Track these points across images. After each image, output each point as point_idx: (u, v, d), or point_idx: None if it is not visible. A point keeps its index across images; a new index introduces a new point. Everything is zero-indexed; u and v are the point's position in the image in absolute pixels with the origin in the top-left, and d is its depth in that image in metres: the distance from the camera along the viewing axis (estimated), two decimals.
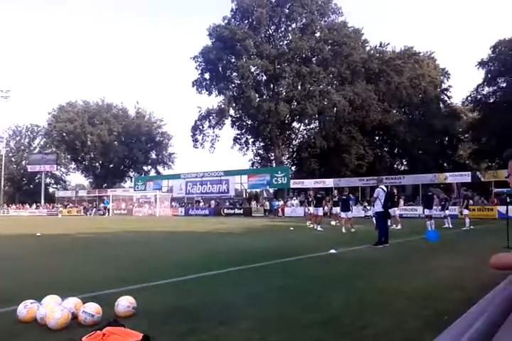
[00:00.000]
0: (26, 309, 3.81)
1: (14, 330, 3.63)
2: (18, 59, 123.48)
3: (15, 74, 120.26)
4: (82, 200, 57.35)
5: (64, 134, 64.52)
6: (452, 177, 33.01)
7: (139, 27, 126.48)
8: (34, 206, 58.30)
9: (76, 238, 14.62)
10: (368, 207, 19.21)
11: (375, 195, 11.31)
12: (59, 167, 68.99)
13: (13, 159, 73.77)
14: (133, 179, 58.19)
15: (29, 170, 65.05)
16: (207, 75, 50.00)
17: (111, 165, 67.15)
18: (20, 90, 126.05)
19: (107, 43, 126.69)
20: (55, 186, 75.82)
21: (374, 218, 15.31)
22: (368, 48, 49.45)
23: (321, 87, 46.20)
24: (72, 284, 5.60)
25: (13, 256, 9.21)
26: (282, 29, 48.90)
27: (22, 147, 75.61)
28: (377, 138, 49.72)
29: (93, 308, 3.76)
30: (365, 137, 45.44)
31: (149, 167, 70.64)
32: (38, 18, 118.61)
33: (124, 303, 4.01)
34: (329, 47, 45.54)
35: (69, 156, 69.71)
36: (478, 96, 42.39)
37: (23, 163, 71.36)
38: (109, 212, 46.10)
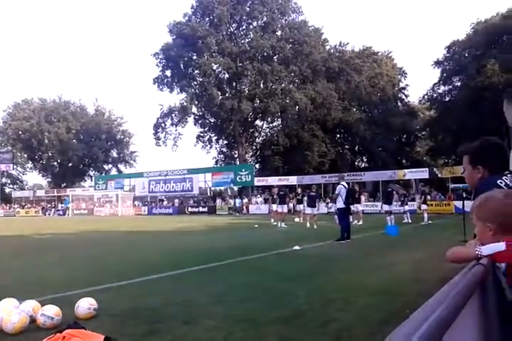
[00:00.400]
0: None
1: None
2: None
3: None
4: (41, 200, 55.54)
5: (20, 132, 62.16)
6: (411, 174, 33.99)
7: (98, 22, 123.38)
8: None
9: (34, 239, 14.16)
10: (330, 204, 19.58)
11: (336, 192, 11.52)
12: (15, 166, 66.42)
13: None
14: (93, 178, 56.84)
15: None
16: (168, 72, 49.33)
17: (70, 164, 65.21)
18: None
19: (64, 39, 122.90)
20: (11, 186, 72.97)
21: (336, 214, 15.64)
22: (328, 47, 50.14)
23: (282, 85, 46.51)
24: (30, 286, 5.43)
25: None
26: (243, 27, 48.90)
27: None
28: (338, 135, 50.56)
29: (52, 311, 3.65)
30: (327, 135, 46.13)
31: (110, 166, 69.09)
32: None
33: (85, 305, 3.91)
34: (290, 45, 45.86)
35: (25, 155, 67.22)
36: (435, 95, 43.79)
37: None
38: (69, 212, 44.81)
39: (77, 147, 62.09)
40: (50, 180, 68.99)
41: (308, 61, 45.40)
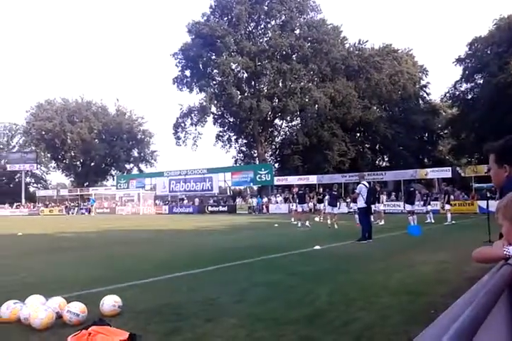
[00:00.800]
0: (9, 310, 3.77)
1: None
2: None
3: None
4: (64, 199, 56.57)
5: (43, 133, 63.43)
6: (433, 173, 33.48)
7: (119, 23, 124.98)
8: (15, 205, 57.35)
9: (59, 237, 14.43)
10: (352, 204, 19.47)
11: (357, 191, 11.42)
12: (39, 166, 67.88)
13: None
14: (115, 177, 57.60)
15: (8, 169, 63.83)
16: (187, 72, 49.68)
17: (92, 164, 66.29)
18: None
19: (86, 40, 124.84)
20: (35, 185, 74.59)
21: (356, 214, 15.52)
22: (347, 45, 49.76)
23: (302, 83, 46.34)
24: (56, 284, 5.55)
25: None
26: (262, 26, 48.89)
27: (0, 145, 74.15)
28: (358, 134, 50.12)
29: (78, 308, 3.73)
30: (347, 134, 45.77)
31: (131, 165, 69.96)
32: (14, 13, 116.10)
33: (110, 302, 3.98)
34: (309, 44, 45.65)
35: (49, 155, 68.60)
36: (457, 93, 43.03)
37: (2, 161, 69.98)
38: (94, 210, 45.45)
39: (99, 147, 63.01)
40: (73, 179, 70.21)
41: (328, 59, 45.15)
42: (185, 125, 50.42)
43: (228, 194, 45.07)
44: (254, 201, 38.72)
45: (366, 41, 49.41)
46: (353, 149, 44.74)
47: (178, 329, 3.60)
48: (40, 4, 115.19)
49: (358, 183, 11.79)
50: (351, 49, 49.11)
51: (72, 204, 53.27)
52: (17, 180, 68.47)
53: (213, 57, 47.42)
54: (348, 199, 29.58)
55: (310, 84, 46.81)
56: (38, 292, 4.22)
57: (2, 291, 5.07)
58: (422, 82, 50.43)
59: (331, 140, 43.57)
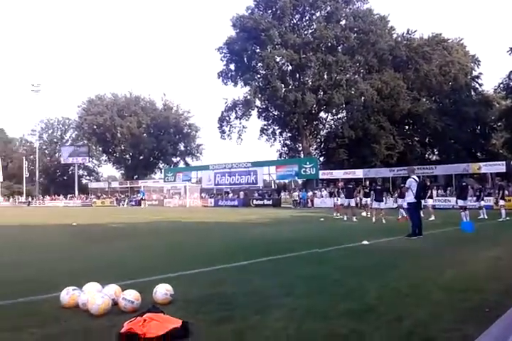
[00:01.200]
0: (69, 295, 3.96)
1: (59, 315, 3.78)
2: (48, 53, 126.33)
3: (45, 68, 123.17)
4: (115, 191, 58.60)
5: (94, 127, 65.85)
6: (486, 167, 32.09)
7: (165, 20, 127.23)
8: (68, 197, 60.03)
9: (111, 228, 15.00)
10: (398, 199, 19.02)
11: (406, 186, 11.11)
12: (91, 159, 70.63)
13: (46, 151, 75.94)
14: (163, 170, 58.99)
15: (62, 162, 66.84)
16: (232, 66, 49.92)
17: (141, 157, 68.20)
18: (51, 84, 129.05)
19: (134, 36, 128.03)
20: (88, 178, 77.74)
21: (404, 209, 15.16)
22: (394, 36, 48.30)
23: (347, 75, 45.56)
24: (110, 272, 5.77)
25: (52, 245, 9.55)
26: (307, 18, 48.28)
27: (55, 140, 77.65)
28: (407, 127, 48.71)
29: (132, 295, 3.87)
30: (395, 126, 44.59)
31: (178, 158, 71.42)
32: (67, 11, 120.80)
33: (162, 290, 4.11)
34: (355, 35, 44.76)
35: (100, 148, 71.20)
36: (511, 84, 40.88)
37: (56, 155, 73.29)
38: (144, 202, 46.63)
39: (147, 140, 64.68)
40: (123, 172, 72.57)
41: (374, 50, 44.10)
42: (229, 119, 50.81)
43: (273, 187, 45.13)
44: (296, 195, 38.52)
45: (415, 31, 47.89)
46: (401, 142, 43.56)
47: (228, 319, 3.65)
48: (91, 2, 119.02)
49: (407, 177, 11.47)
50: (399, 39, 47.67)
51: (122, 196, 55.08)
52: (70, 172, 71.60)
53: (258, 50, 47.38)
54: (396, 194, 28.97)
55: (356, 76, 45.94)
56: (93, 279, 4.40)
57: (61, 278, 5.33)
58: (474, 73, 48.19)
59: (378, 133, 42.62)
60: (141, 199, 46.94)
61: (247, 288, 4.87)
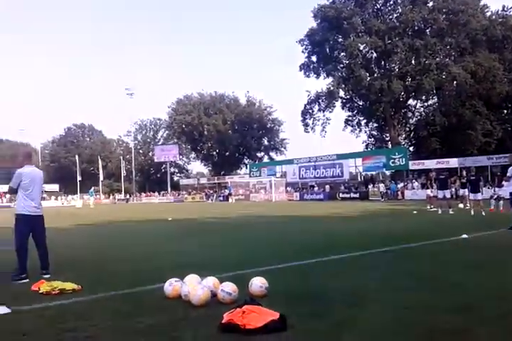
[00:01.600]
0: (171, 286, 4.20)
1: (162, 305, 4.03)
2: (140, 58, 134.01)
3: (137, 73, 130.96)
4: (203, 187, 60.87)
5: (183, 126, 68.82)
6: None
7: (245, 16, 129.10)
8: (162, 193, 63.47)
9: (204, 222, 15.62)
10: (496, 189, 17.66)
11: (508, 174, 10.30)
12: (181, 157, 74.03)
13: (141, 151, 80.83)
14: (248, 166, 60.12)
15: (155, 160, 70.80)
16: (314, 58, 49.44)
17: (227, 153, 70.11)
18: (143, 87, 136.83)
19: (217, 34, 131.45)
20: (179, 175, 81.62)
21: (501, 200, 14.07)
22: (488, 14, 44.63)
23: (437, 59, 43.07)
24: (207, 264, 6.01)
25: (154, 239, 10.17)
26: (391, 2, 46.26)
27: (148, 139, 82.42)
28: (505, 111, 44.95)
29: (230, 287, 4.01)
30: (492, 111, 41.36)
31: (262, 153, 72.32)
32: (158, 18, 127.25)
33: (257, 283, 4.20)
34: (444, 16, 42.16)
35: (189, 146, 74.32)
36: None
37: (150, 154, 77.73)
38: (232, 197, 47.96)
39: (232, 137, 66.31)
40: (210, 168, 75.19)
41: (466, 31, 41.20)
42: (313, 111, 50.42)
43: (359, 180, 44.08)
44: (382, 186, 37.07)
45: (511, 7, 43.88)
46: (499, 128, 40.34)
47: (322, 313, 3.64)
48: (174, 3, 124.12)
49: (509, 166, 10.59)
50: (493, 17, 44.00)
51: (211, 191, 57.07)
52: (163, 170, 75.65)
53: (340, 39, 46.44)
54: (495, 184, 26.91)
55: (447, 59, 43.28)
56: (192, 272, 4.61)
57: (162, 270, 5.67)
58: None
59: (474, 119, 39.83)
60: (229, 194, 48.23)
61: (342, 282, 4.83)
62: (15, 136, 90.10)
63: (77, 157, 65.84)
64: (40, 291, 4.64)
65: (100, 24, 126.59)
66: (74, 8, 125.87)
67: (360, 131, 51.16)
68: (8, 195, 51.09)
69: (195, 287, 4.00)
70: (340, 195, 39.24)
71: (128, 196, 65.82)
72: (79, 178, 60.67)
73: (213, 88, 72.79)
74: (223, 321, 3.24)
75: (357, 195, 38.13)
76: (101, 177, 65.30)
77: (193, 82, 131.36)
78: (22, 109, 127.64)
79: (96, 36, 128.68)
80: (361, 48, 45.21)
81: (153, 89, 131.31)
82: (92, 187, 47.65)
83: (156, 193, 64.15)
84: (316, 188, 44.33)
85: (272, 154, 71.17)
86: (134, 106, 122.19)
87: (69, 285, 4.72)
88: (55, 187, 63.70)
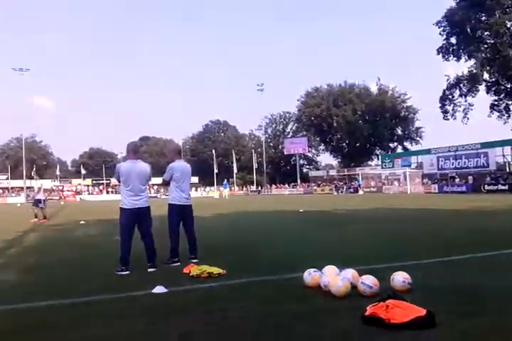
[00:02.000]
0: (311, 276, 4.29)
1: (303, 293, 4.12)
2: (269, 55, 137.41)
3: (267, 69, 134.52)
4: (333, 179, 60.58)
5: (312, 118, 69.16)
6: None
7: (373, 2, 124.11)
8: (292, 185, 64.70)
9: (335, 214, 15.57)
10: None
11: None
12: (310, 149, 74.54)
13: (271, 144, 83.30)
14: (380, 157, 58.17)
15: (285, 153, 72.37)
16: (453, 39, 45.83)
17: (357, 144, 68.69)
18: (272, 82, 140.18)
19: (340, 23, 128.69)
20: (308, 167, 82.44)
21: None
22: None
23: None
24: (345, 256, 5.99)
25: (289, 229, 10.46)
26: None
27: (277, 133, 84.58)
28: None
29: (371, 280, 3.95)
30: None
31: (395, 144, 69.46)
32: (284, 12, 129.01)
33: (399, 278, 4.07)
34: None
35: (318, 138, 74.53)
36: None
37: (280, 147, 79.67)
38: (360, 189, 47.22)
39: (362, 127, 64.78)
40: (340, 160, 74.50)
41: None
42: (453, 97, 46.93)
43: (508, 170, 39.73)
44: None
45: None
46: None
47: (474, 312, 3.38)
48: None
49: None
50: None
51: (340, 183, 56.52)
52: (292, 162, 77.00)
53: (483, 18, 42.20)
54: None
55: None
56: (327, 262, 4.62)
57: (299, 259, 5.82)
58: None
59: None
60: (358, 186, 47.34)
61: (493, 280, 4.44)
62: (160, 134, 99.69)
63: (213, 151, 70.40)
64: (191, 274, 5.07)
65: (228, 23, 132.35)
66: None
67: (509, 116, 46.06)
68: (155, 187, 56.85)
69: (334, 278, 4.03)
70: (486, 187, 35.85)
71: (260, 188, 68.40)
72: (215, 171, 64.86)
73: (342, 79, 71.35)
74: (366, 313, 3.21)
75: (505, 187, 34.45)
76: (235, 170, 68.88)
77: (321, 72, 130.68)
78: (165, 108, 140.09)
79: (224, 34, 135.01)
80: (509, 26, 40.62)
81: (282, 83, 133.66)
82: (225, 180, 50.50)
83: (286, 185, 65.56)
84: (457, 180, 41.18)
85: (406, 144, 67.95)
86: (264, 102, 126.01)
87: (215, 270, 5.09)
88: (195, 179, 69.02)
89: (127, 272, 5.40)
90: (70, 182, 68.62)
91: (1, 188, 62.51)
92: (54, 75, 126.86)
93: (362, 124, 65.50)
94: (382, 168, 51.74)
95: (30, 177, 58.60)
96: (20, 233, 11.33)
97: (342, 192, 51.48)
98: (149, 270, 5.53)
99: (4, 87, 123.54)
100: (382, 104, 65.39)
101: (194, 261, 5.90)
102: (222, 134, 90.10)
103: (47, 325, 3.43)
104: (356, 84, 69.45)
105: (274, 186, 67.73)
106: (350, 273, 4.22)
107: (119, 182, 5.74)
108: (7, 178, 64.73)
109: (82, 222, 14.05)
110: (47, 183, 64.76)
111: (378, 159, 60.34)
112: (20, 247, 8.51)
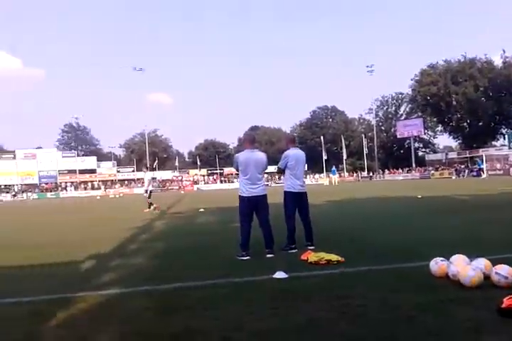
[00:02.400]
0: (438, 265, 4.08)
1: (431, 283, 3.93)
2: (378, 34, 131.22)
3: (377, 49, 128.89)
4: (453, 162, 56.65)
5: (428, 98, 65.01)
6: None
7: None
8: (406, 170, 61.82)
9: (455, 199, 14.57)
10: None
11: None
12: (426, 131, 70.31)
13: (382, 128, 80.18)
14: (507, 136, 52.86)
15: (398, 136, 69.16)
16: None
17: (480, 124, 63.19)
18: (381, 62, 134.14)
19: None
20: (423, 150, 77.99)
21: None
22: None
23: None
24: (470, 244, 5.61)
25: (404, 215, 10.06)
26: None
27: (389, 115, 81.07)
28: None
29: (506, 270, 3.66)
30: None
31: None
32: None
33: None
34: None
35: (435, 119, 70.02)
36: None
37: (392, 130, 76.33)
38: (483, 173, 43.56)
39: (486, 105, 59.50)
40: (460, 141, 69.25)
41: None
42: None
43: None
44: None
45: None
46: None
47: None
48: None
49: None
50: None
51: (461, 166, 52.63)
52: (406, 146, 73.37)
53: None
54: None
55: None
56: (454, 251, 4.34)
57: (423, 247, 5.58)
58: None
59: None
60: (479, 169, 43.71)
61: None
62: (268, 123, 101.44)
63: (321, 138, 69.80)
64: (309, 261, 5.12)
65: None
66: None
67: None
68: (265, 175, 58.11)
69: (465, 267, 3.79)
70: None
71: (371, 173, 66.45)
72: (324, 157, 64.35)
73: (462, 53, 65.54)
74: (503, 305, 2.97)
75: None
76: (344, 156, 67.68)
77: (438, 48, 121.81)
78: (272, 97, 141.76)
79: (334, 18, 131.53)
80: None
81: (393, 63, 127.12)
82: (334, 166, 49.83)
83: (400, 170, 62.82)
84: None
85: None
86: (374, 84, 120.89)
87: (334, 257, 5.07)
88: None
89: (247, 257, 5.61)
90: (188, 173, 73.02)
91: (129, 180, 68.68)
92: (171, 74, 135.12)
93: (485, 101, 59.97)
94: (510, 148, 46.99)
95: (153, 169, 63.58)
96: (147, 220, 12.35)
97: (463, 176, 47.93)
98: (268, 256, 5.68)
99: (126, 86, 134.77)
100: (508, 78, 58.99)
101: (311, 247, 5.93)
102: (331, 120, 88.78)
103: (186, 304, 3.70)
104: (478, 58, 63.56)
105: (386, 171, 65.37)
106: (482, 262, 3.94)
107: (238, 171, 5.94)
108: (133, 170, 70.90)
109: (202, 210, 14.90)
110: (167, 174, 70.35)
111: (505, 139, 54.86)
112: (149, 234, 9.29)
